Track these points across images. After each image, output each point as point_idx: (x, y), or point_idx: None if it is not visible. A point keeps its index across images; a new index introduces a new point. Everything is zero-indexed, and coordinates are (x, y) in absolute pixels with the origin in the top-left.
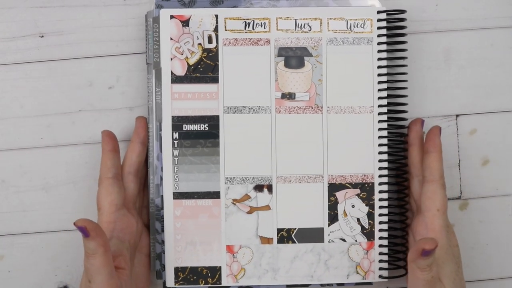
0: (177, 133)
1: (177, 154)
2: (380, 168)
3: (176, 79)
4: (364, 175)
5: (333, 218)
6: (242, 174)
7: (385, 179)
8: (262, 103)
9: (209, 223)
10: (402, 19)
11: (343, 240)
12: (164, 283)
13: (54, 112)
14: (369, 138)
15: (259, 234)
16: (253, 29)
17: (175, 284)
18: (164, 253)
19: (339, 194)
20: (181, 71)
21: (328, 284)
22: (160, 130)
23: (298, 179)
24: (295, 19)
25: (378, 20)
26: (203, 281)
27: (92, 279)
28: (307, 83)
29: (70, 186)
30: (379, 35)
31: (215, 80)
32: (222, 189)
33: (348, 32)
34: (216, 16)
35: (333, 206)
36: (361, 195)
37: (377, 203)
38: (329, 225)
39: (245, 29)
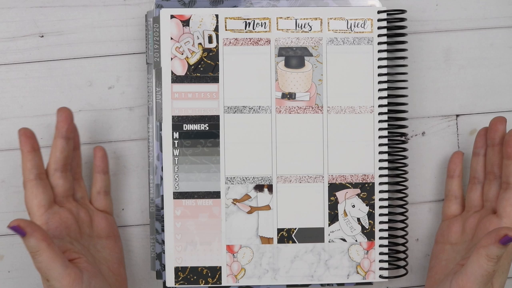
0: (177, 133)
1: (177, 154)
2: (380, 168)
3: (176, 79)
4: (365, 175)
5: (333, 218)
6: (242, 174)
7: (385, 179)
8: (262, 103)
9: (209, 223)
10: (402, 19)
11: (344, 240)
12: (164, 283)
13: (54, 112)
14: (369, 138)
15: (259, 234)
16: (253, 29)
17: (175, 284)
18: (164, 253)
19: (340, 194)
20: (181, 71)
21: (328, 284)
22: (160, 130)
23: (299, 179)
24: (296, 19)
25: (379, 20)
26: (203, 281)
27: (48, 277)
28: (307, 83)
29: None
30: (379, 35)
31: (215, 80)
32: (222, 189)
33: (349, 32)
34: (217, 16)
35: (333, 206)
36: (361, 195)
37: (377, 203)
38: (329, 225)
39: (245, 29)
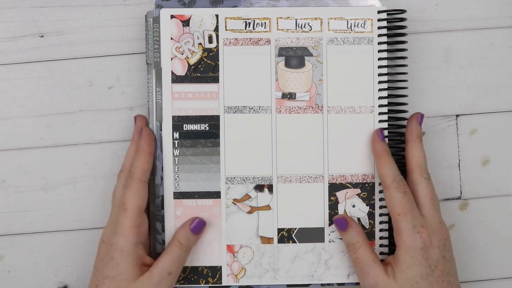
0: (177, 133)
1: (177, 154)
2: None
3: (176, 79)
4: (365, 175)
5: (333, 218)
6: (242, 174)
7: None
8: (262, 103)
9: (209, 223)
10: (402, 19)
11: None
12: None
13: (54, 112)
14: (369, 138)
15: (260, 234)
16: (253, 29)
17: (175, 284)
18: None
19: (340, 194)
20: (181, 71)
21: (328, 284)
22: (161, 130)
23: (299, 179)
24: (296, 19)
25: (379, 20)
26: (204, 281)
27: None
28: (307, 83)
29: (70, 186)
30: (379, 35)
31: (215, 80)
32: (223, 189)
33: (349, 32)
34: (217, 16)
35: (333, 206)
36: (361, 195)
37: (377, 203)
38: (329, 225)
39: (245, 29)
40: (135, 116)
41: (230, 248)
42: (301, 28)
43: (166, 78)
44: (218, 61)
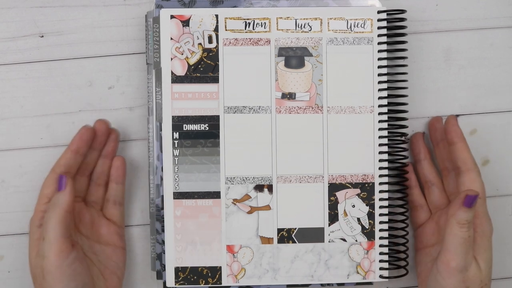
0: (177, 133)
1: (177, 154)
2: (380, 168)
3: (176, 79)
4: (365, 175)
5: (333, 218)
6: (242, 174)
7: (386, 179)
8: (262, 103)
9: (209, 223)
10: (402, 19)
11: (344, 240)
12: (165, 283)
13: (54, 112)
14: (369, 138)
15: (260, 234)
16: (253, 29)
17: (175, 284)
18: (164, 253)
19: (340, 194)
20: (181, 71)
21: (328, 284)
22: (161, 130)
23: (299, 179)
24: (295, 19)
25: (378, 20)
26: (204, 281)
27: (45, 236)
28: (307, 83)
29: None
30: (379, 35)
31: (215, 80)
32: (223, 189)
33: (348, 32)
34: (216, 16)
35: (333, 206)
36: (361, 195)
37: (377, 203)
38: (329, 225)
39: (245, 29)
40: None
41: (230, 248)
42: (301, 28)
43: (166, 78)
44: (218, 61)
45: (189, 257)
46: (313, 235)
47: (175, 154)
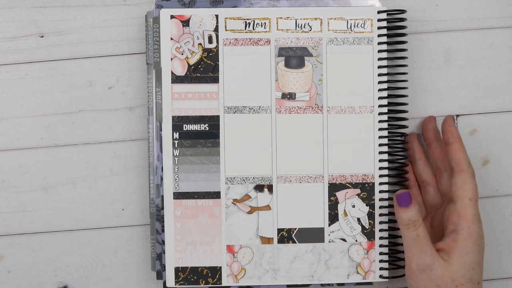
0: (177, 133)
1: (177, 154)
2: (380, 168)
3: (176, 79)
4: (365, 175)
5: (333, 218)
6: (242, 174)
7: (386, 179)
8: (262, 103)
9: (209, 223)
10: (402, 19)
11: (344, 240)
12: (165, 283)
13: (54, 112)
14: (369, 138)
15: (260, 234)
16: (253, 29)
17: (175, 284)
18: (164, 253)
19: (340, 194)
20: (181, 71)
21: (328, 284)
22: (161, 130)
23: (299, 179)
24: (295, 19)
25: (379, 20)
26: (204, 281)
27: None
28: (307, 83)
29: (70, 186)
30: (379, 35)
31: (215, 80)
32: (223, 189)
33: (349, 32)
34: (216, 16)
35: (333, 206)
36: (361, 195)
37: (377, 203)
38: (329, 225)
39: (245, 29)
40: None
41: (230, 249)
42: (301, 28)
43: (166, 78)
44: (218, 61)
45: (189, 257)
46: (313, 235)
47: (175, 154)
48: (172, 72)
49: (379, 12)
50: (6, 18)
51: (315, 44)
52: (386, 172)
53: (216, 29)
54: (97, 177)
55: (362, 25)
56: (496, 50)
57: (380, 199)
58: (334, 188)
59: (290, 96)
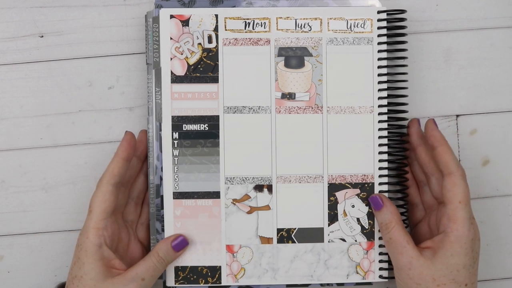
0: (177, 133)
1: (177, 154)
2: (380, 168)
3: (176, 79)
4: (364, 175)
5: (333, 218)
6: (242, 174)
7: (385, 179)
8: (262, 103)
9: (209, 223)
10: (402, 19)
11: (343, 240)
12: (165, 282)
13: (54, 112)
14: (369, 138)
15: (259, 234)
16: (253, 29)
17: (175, 284)
18: None
19: (339, 194)
20: (181, 71)
21: (328, 284)
22: (160, 130)
23: (298, 179)
24: (295, 19)
25: (378, 20)
26: (203, 281)
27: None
28: (307, 83)
29: (70, 186)
30: (379, 35)
31: (215, 80)
32: (222, 189)
33: (348, 32)
34: (216, 16)
35: (333, 206)
36: (361, 195)
37: None
38: (329, 225)
39: (245, 29)
40: (126, 131)
41: (229, 248)
42: (301, 28)
43: (166, 78)
44: (218, 61)
45: (188, 257)
46: (313, 235)
47: (174, 154)
48: (171, 72)
49: (379, 12)
50: (6, 18)
51: (315, 44)
52: (385, 172)
53: (215, 29)
54: (97, 177)
55: (362, 25)
56: (496, 50)
57: None
58: (333, 188)
59: (290, 96)
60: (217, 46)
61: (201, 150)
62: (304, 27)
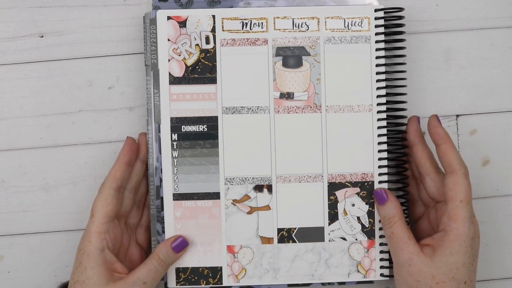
0: (176, 134)
1: (176, 156)
2: (379, 167)
3: (174, 80)
4: (364, 173)
5: (333, 217)
6: (241, 175)
7: (385, 178)
8: (260, 103)
9: (209, 223)
10: (400, 17)
11: (344, 239)
12: (166, 284)
13: (54, 112)
14: (368, 136)
15: (260, 234)
16: (250, 29)
17: (176, 285)
18: None
19: (339, 193)
20: (179, 72)
21: (329, 283)
22: (159, 131)
23: (298, 179)
24: (293, 19)
25: (376, 19)
26: (204, 282)
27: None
28: (305, 82)
29: (70, 186)
30: (377, 34)
31: (213, 80)
32: (222, 190)
33: (346, 31)
34: (213, 16)
35: (333, 205)
36: (361, 194)
37: None
38: (329, 224)
39: (242, 29)
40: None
41: (230, 249)
42: (298, 28)
43: (164, 79)
44: (216, 61)
45: (189, 258)
46: (313, 234)
47: (174, 156)
48: (169, 73)
49: (376, 10)
50: (6, 18)
51: (312, 43)
52: (385, 170)
53: (213, 30)
54: (97, 177)
55: (360, 24)
56: (496, 50)
57: None
58: (333, 187)
59: (288, 95)
60: (214, 47)
61: (201, 151)
62: (301, 26)
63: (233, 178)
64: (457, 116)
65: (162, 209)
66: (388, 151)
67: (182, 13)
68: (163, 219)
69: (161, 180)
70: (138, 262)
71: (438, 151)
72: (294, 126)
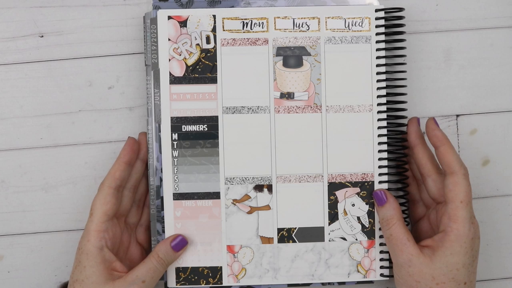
0: (176, 134)
1: (176, 155)
2: (380, 167)
3: (174, 80)
4: (364, 173)
5: (333, 217)
6: (241, 174)
7: (385, 178)
8: (261, 103)
9: (209, 223)
10: (400, 17)
11: (344, 239)
12: (166, 283)
13: (54, 112)
14: (368, 136)
15: (260, 234)
16: (251, 29)
17: (176, 285)
18: None
19: (339, 193)
20: (179, 72)
21: (329, 283)
22: (159, 131)
23: (298, 179)
24: (293, 19)
25: (376, 19)
26: (204, 281)
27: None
28: (305, 82)
29: (69, 186)
30: (377, 34)
31: (213, 80)
32: (222, 190)
33: (346, 31)
34: (214, 16)
35: (333, 205)
36: (361, 194)
37: None
38: (329, 224)
39: (243, 29)
40: (128, 137)
41: (230, 249)
42: (299, 28)
43: (164, 79)
44: (216, 61)
45: (189, 258)
46: (313, 234)
47: (174, 155)
48: (170, 73)
49: (376, 10)
50: (6, 18)
51: (313, 43)
52: (385, 170)
53: (213, 29)
54: (97, 177)
55: (360, 24)
56: (496, 50)
57: None
58: (333, 187)
59: (288, 95)
60: (215, 47)
61: (201, 151)
62: (302, 26)
63: (233, 178)
64: (457, 116)
65: (162, 209)
66: (388, 151)
67: (182, 12)
68: (163, 219)
69: (161, 180)
70: (139, 261)
71: (437, 153)
72: (295, 126)
